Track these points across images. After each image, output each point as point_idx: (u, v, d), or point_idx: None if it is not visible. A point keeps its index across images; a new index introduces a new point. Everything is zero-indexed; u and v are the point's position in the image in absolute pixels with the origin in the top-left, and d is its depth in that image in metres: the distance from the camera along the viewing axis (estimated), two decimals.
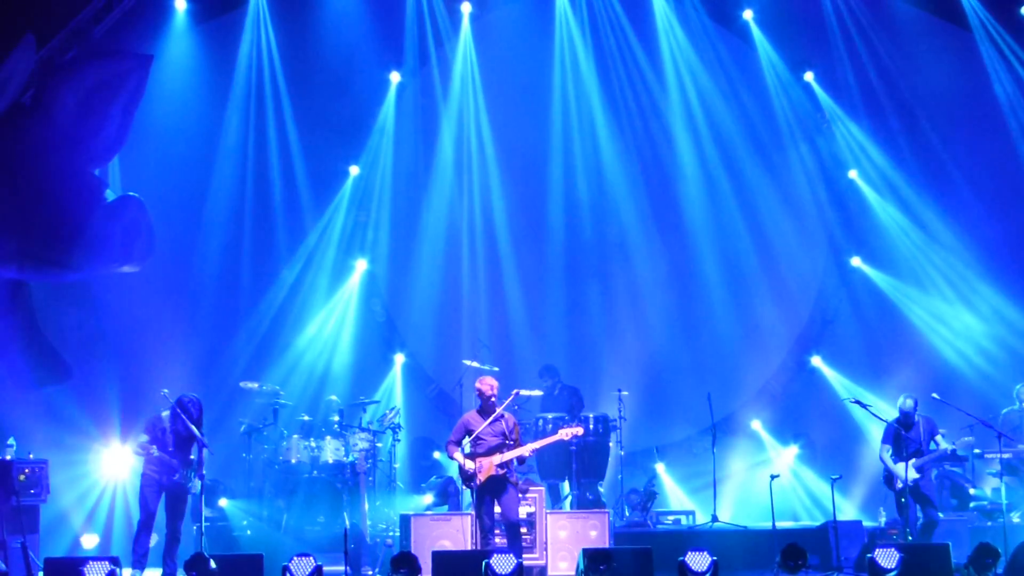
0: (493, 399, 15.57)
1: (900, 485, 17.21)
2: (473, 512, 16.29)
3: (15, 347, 17.31)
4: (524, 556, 15.37)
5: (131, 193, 18.47)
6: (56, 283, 18.37)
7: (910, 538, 16.91)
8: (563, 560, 16.69)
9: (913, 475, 17.02)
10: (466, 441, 15.55)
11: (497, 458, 15.34)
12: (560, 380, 20.32)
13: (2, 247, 17.06)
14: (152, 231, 18.34)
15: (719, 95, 22.52)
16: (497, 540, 15.55)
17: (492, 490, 15.37)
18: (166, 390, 16.29)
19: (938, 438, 17.42)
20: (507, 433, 15.51)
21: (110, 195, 18.19)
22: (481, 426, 15.43)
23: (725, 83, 22.54)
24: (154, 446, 15.67)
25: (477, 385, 15.82)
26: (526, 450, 15.63)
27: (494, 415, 15.51)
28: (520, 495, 15.87)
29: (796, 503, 21.40)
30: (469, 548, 16.17)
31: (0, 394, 16.92)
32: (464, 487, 15.76)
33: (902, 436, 17.45)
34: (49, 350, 17.94)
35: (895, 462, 17.19)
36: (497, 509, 15.49)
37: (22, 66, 17.05)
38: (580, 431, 16.67)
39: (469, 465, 15.33)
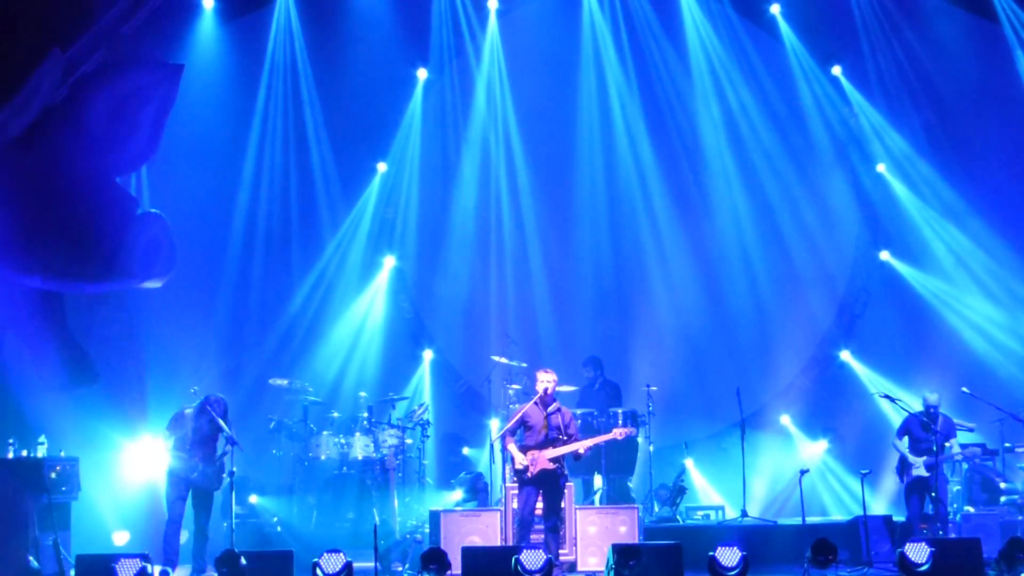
0: (551, 392, 15.60)
1: (906, 480, 17.35)
2: (505, 506, 16.36)
3: (46, 348, 17.38)
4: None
5: (152, 210, 18.55)
6: (78, 294, 18.42)
7: (925, 529, 17.10)
8: (593, 556, 16.70)
9: (922, 472, 17.18)
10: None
11: (550, 452, 15.36)
12: (603, 374, 20.31)
13: (27, 259, 17.12)
14: (173, 248, 18.40)
15: (746, 89, 22.46)
16: (532, 537, 15.57)
17: (541, 484, 15.40)
18: (196, 387, 16.38)
19: (952, 441, 17.52)
20: (562, 427, 15.53)
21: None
22: (538, 419, 15.47)
23: (752, 77, 22.48)
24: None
25: (538, 375, 15.82)
26: (580, 446, 15.63)
27: (551, 408, 15.58)
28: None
29: (826, 498, 21.37)
30: (499, 544, 16.21)
31: (31, 393, 17.00)
32: (514, 479, 15.80)
33: (915, 433, 17.51)
34: (79, 353, 18.00)
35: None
36: (540, 504, 15.52)
37: (48, 79, 17.12)
38: (633, 431, 16.70)
39: (520, 458, 15.34)
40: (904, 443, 17.75)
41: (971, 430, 18.88)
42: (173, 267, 18.56)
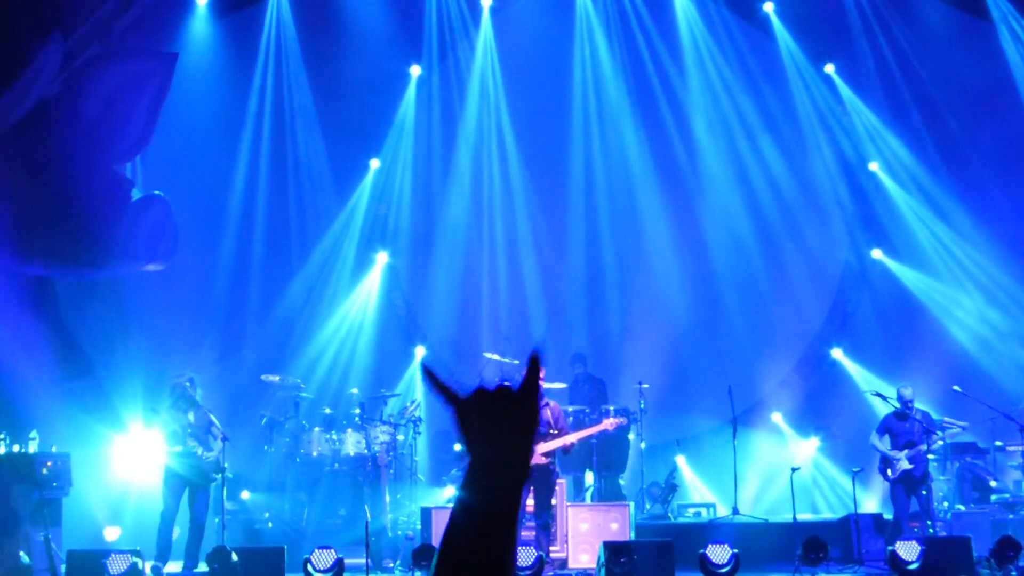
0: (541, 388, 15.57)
1: (891, 475, 17.38)
2: None
3: (39, 341, 17.38)
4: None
5: (156, 192, 18.56)
6: (81, 279, 18.45)
7: (893, 529, 17.18)
8: (584, 553, 16.70)
9: (905, 465, 17.19)
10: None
11: (541, 447, 15.38)
12: (587, 370, 20.36)
13: (28, 245, 17.14)
14: (176, 230, 18.42)
15: (739, 87, 22.49)
16: (522, 534, 15.57)
17: (532, 480, 15.38)
18: (188, 383, 16.36)
19: (937, 433, 17.56)
20: (551, 422, 15.54)
21: (136, 194, 18.28)
22: None
23: (745, 75, 22.51)
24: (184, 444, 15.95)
25: None
26: (569, 440, 15.63)
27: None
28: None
29: (817, 496, 21.41)
30: None
31: (23, 388, 16.98)
32: None
33: (893, 430, 17.55)
34: (73, 345, 18.01)
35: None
36: (530, 500, 15.53)
37: (49, 65, 17.12)
38: (623, 421, 16.72)
39: None
40: (885, 441, 17.75)
41: (964, 429, 18.92)
42: (176, 251, 18.59)
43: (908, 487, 17.43)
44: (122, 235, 17.68)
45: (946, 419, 18.53)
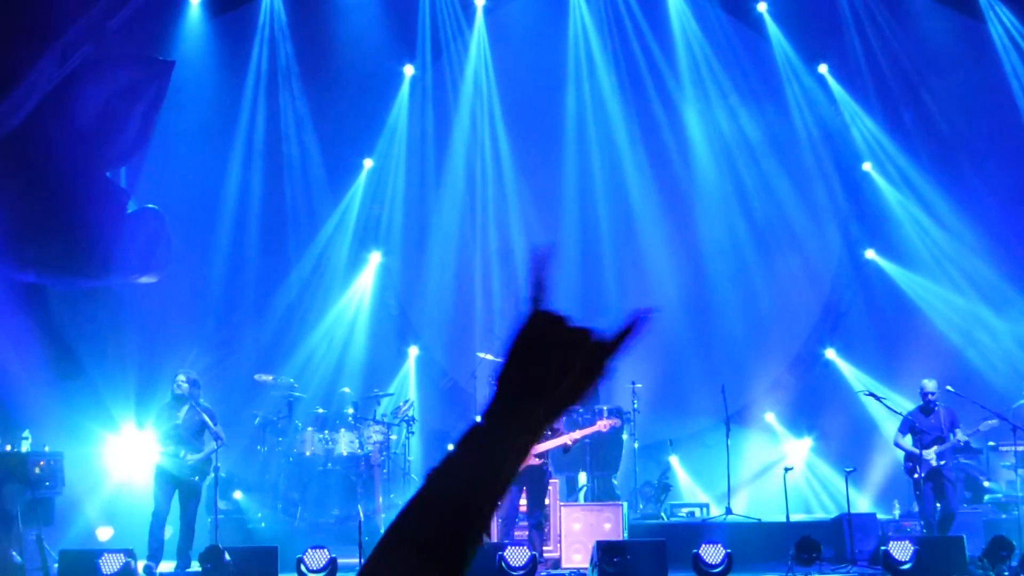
0: None
1: (917, 475, 17.24)
2: None
3: (31, 342, 17.35)
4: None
5: (150, 205, 18.55)
6: (73, 289, 18.44)
7: (925, 530, 17.04)
8: (577, 552, 16.68)
9: (934, 462, 17.07)
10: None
11: (537, 447, 15.34)
12: None
13: (20, 254, 17.10)
14: (170, 243, 18.42)
15: (733, 87, 22.48)
16: (516, 534, 15.55)
17: (525, 480, 15.37)
18: (184, 383, 16.35)
19: (957, 431, 17.44)
20: None
21: (132, 206, 18.26)
22: None
23: (739, 75, 22.50)
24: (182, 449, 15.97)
25: None
26: (568, 439, 15.61)
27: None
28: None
29: (810, 496, 21.40)
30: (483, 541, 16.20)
31: (16, 387, 16.96)
32: None
33: (918, 426, 17.45)
34: (64, 346, 17.98)
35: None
36: (523, 501, 15.50)
37: (46, 76, 17.08)
38: (618, 422, 16.73)
39: None
40: (907, 440, 17.61)
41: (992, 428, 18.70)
42: (169, 263, 18.59)
43: (937, 485, 17.27)
44: (117, 247, 17.67)
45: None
